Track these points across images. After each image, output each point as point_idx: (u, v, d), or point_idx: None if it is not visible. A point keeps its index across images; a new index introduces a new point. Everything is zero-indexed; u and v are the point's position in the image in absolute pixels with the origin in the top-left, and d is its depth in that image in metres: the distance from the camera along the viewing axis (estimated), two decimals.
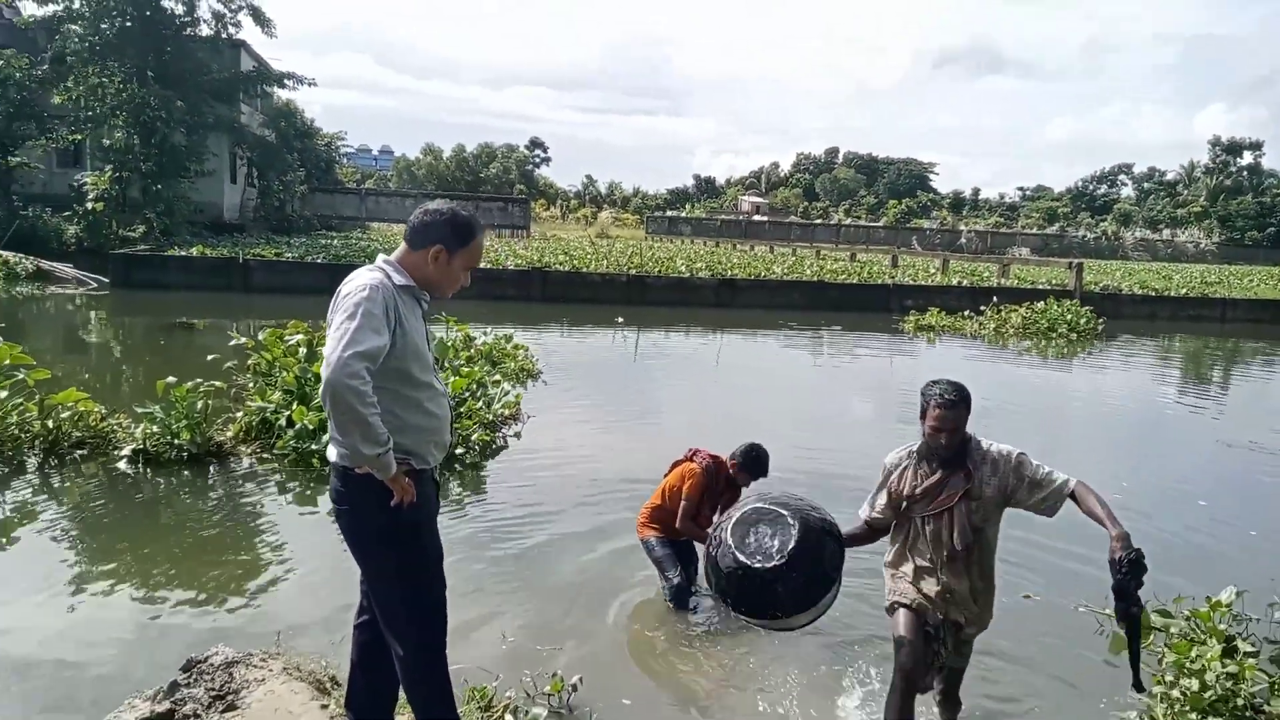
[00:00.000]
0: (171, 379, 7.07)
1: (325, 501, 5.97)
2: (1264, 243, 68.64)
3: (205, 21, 27.43)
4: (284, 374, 7.75)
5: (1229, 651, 3.52)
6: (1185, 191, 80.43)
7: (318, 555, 5.19)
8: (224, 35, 28.23)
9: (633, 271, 22.65)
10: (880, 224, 74.88)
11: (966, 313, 19.85)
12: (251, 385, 8.17)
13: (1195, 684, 3.39)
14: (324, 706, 3.30)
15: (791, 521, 3.29)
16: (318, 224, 41.22)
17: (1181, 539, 6.18)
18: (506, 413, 8.50)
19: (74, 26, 24.88)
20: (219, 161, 30.88)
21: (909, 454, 3.44)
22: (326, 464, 2.79)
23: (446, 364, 8.94)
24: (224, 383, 7.74)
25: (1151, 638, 3.90)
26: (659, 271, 23.11)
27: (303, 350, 8.09)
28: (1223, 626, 3.70)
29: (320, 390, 2.55)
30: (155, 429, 6.84)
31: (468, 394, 8.11)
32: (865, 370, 14.20)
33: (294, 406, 7.13)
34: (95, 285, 20.33)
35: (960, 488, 3.29)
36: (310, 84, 30.20)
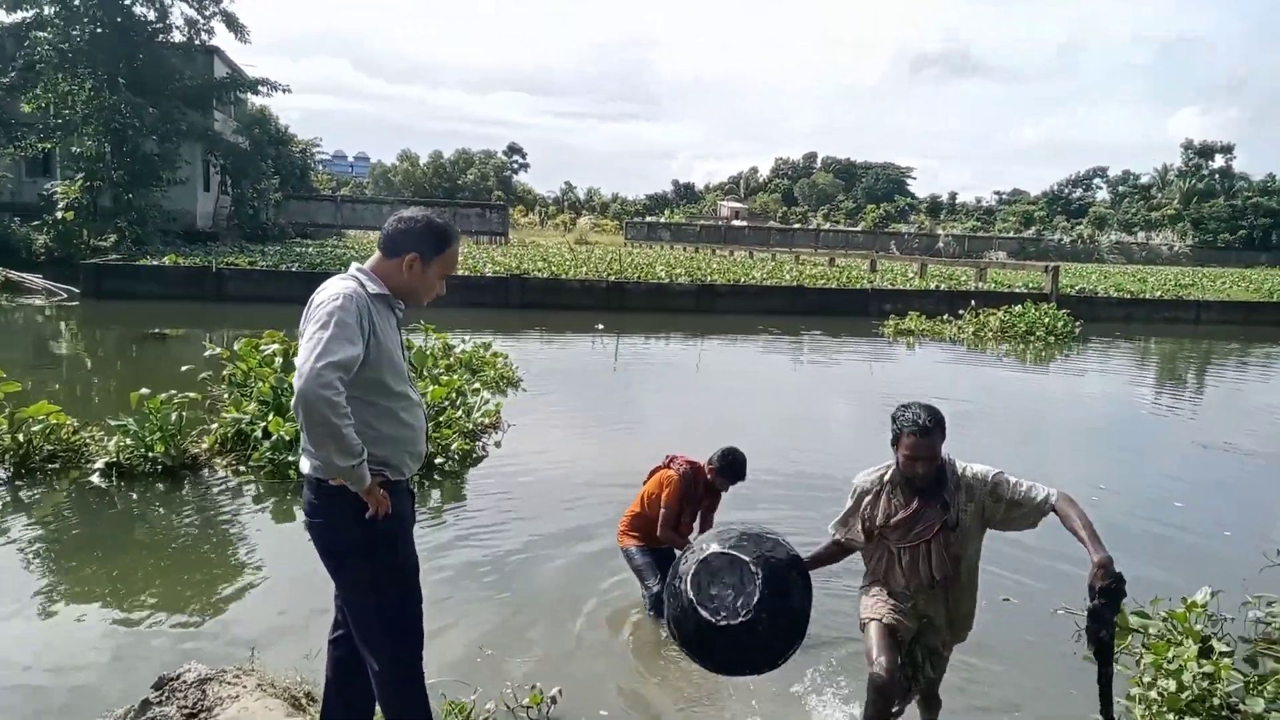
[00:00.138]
0: (145, 390, 6.98)
1: (301, 514, 5.91)
2: (1236, 245, 69.71)
3: (178, 28, 27.14)
4: (260, 384, 7.67)
5: (1205, 652, 3.55)
6: (1159, 194, 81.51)
7: (292, 569, 5.13)
8: (197, 42, 27.94)
9: (612, 278, 22.63)
10: (859, 229, 75.31)
11: (945, 316, 19.99)
12: (227, 396, 8.08)
13: (1172, 684, 3.42)
14: None
15: (755, 570, 3.07)
16: (293, 232, 40.88)
17: (1157, 540, 6.23)
18: (486, 421, 8.44)
19: (43, 33, 24.52)
20: (192, 169, 30.54)
21: (881, 480, 3.28)
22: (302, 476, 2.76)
23: (425, 372, 8.89)
24: (199, 394, 7.65)
25: (1129, 639, 3.93)
26: (638, 278, 23.10)
27: (278, 360, 8.01)
28: (1199, 627, 3.74)
29: (293, 401, 2.51)
30: (129, 441, 6.74)
31: (447, 403, 8.05)
32: (846, 374, 14.26)
33: (270, 417, 7.05)
34: (66, 296, 20.05)
35: (937, 520, 3.15)
36: (284, 90, 29.94)
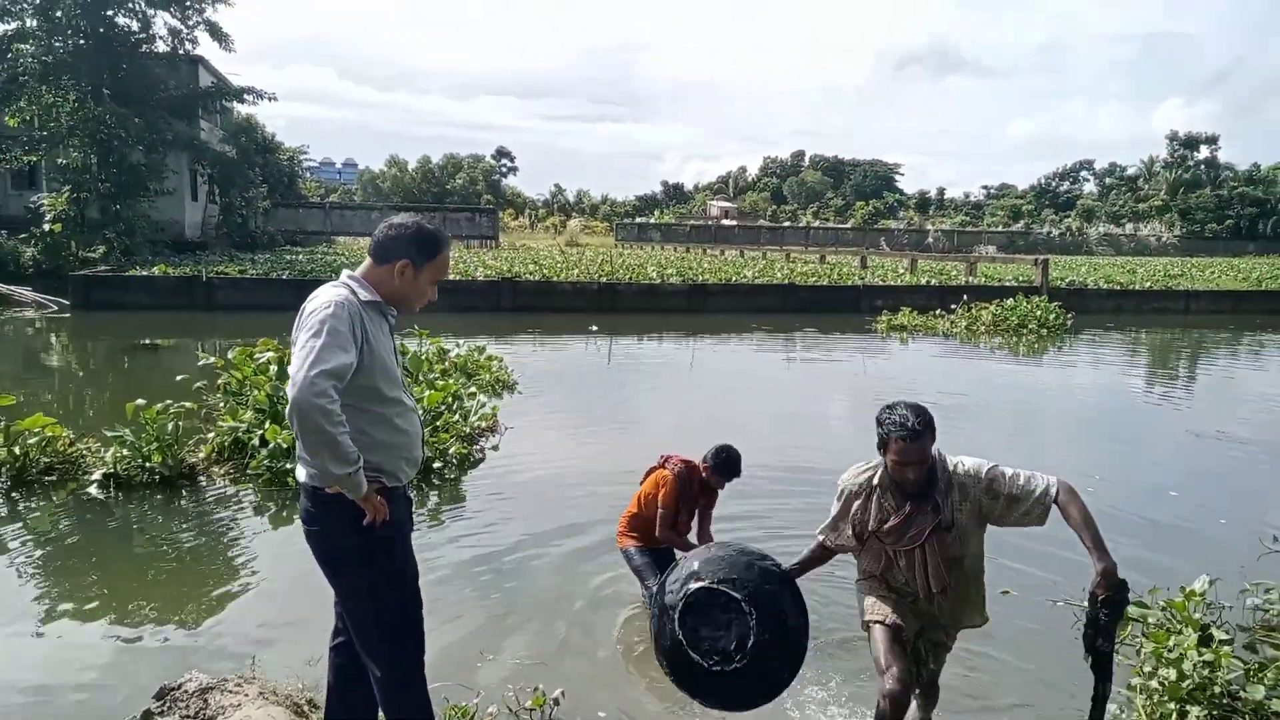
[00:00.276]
0: (141, 401, 6.95)
1: (299, 521, 5.90)
2: (1223, 234, 70.00)
3: (161, 38, 27.11)
4: (255, 393, 7.64)
5: (1205, 640, 3.56)
6: (1146, 186, 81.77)
7: (292, 576, 5.11)
8: (181, 51, 27.87)
9: (603, 279, 22.62)
10: (848, 226, 75.42)
11: (937, 311, 20.04)
12: (222, 405, 8.05)
13: (1173, 673, 3.43)
14: None
15: (748, 609, 2.91)
16: (282, 239, 40.76)
17: (1153, 530, 6.25)
18: (484, 425, 8.44)
19: (25, 45, 24.42)
20: (179, 179, 30.43)
21: (870, 482, 3.13)
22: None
23: (421, 377, 8.87)
24: (195, 403, 7.62)
25: (1129, 629, 3.94)
26: (630, 279, 23.10)
27: (273, 368, 7.99)
28: (1198, 615, 3.76)
29: (287, 410, 2.50)
30: (125, 452, 6.72)
31: (444, 407, 8.04)
32: (840, 371, 14.28)
33: (266, 425, 7.03)
34: (55, 308, 19.95)
35: (929, 524, 3.02)
36: (270, 98, 29.83)
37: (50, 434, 6.88)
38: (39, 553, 5.57)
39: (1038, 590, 5.06)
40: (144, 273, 20.89)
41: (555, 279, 22.49)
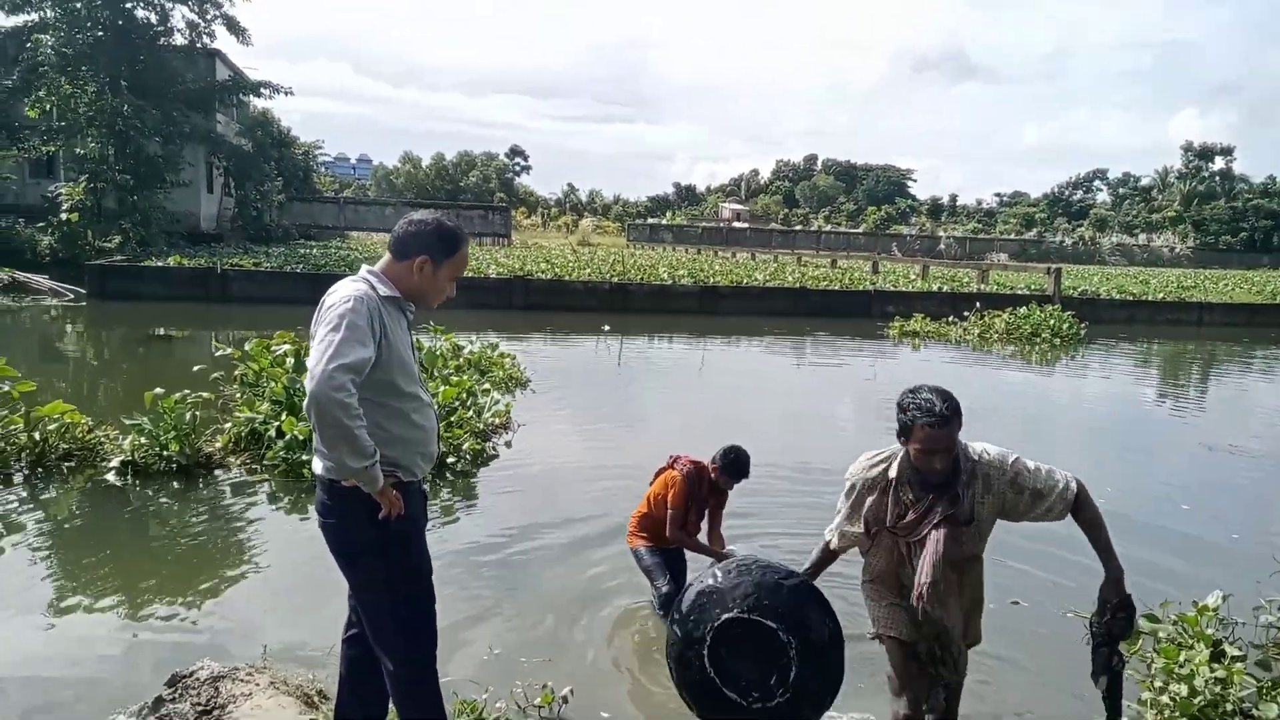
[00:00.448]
0: (159, 390, 7.03)
1: (314, 513, 5.93)
2: (1237, 246, 69.63)
3: (179, 31, 27.23)
4: (272, 384, 7.70)
5: (1217, 656, 3.54)
6: (1159, 196, 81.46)
7: (305, 567, 5.14)
8: (198, 45, 28.01)
9: (615, 279, 22.64)
10: (860, 230, 75.32)
11: (950, 318, 19.98)
12: (239, 396, 8.10)
13: (1184, 689, 3.40)
14: None
15: (786, 638, 2.72)
16: (296, 233, 40.94)
17: (1165, 543, 6.21)
18: (497, 421, 8.46)
19: (45, 36, 24.59)
20: (195, 171, 30.64)
21: (884, 475, 2.91)
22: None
23: (436, 373, 8.91)
24: (212, 394, 7.68)
25: (1140, 642, 3.92)
26: (641, 279, 23.10)
27: (290, 361, 8.04)
28: (1210, 631, 3.72)
29: (305, 404, 2.51)
30: (143, 440, 6.77)
31: (458, 403, 8.07)
32: (851, 374, 14.24)
33: (283, 417, 7.07)
34: (71, 296, 20.09)
35: (944, 513, 2.81)
36: (287, 93, 30.01)
37: (70, 420, 6.94)
38: (56, 537, 5.63)
39: (1039, 591, 5.05)
40: (159, 263, 21.02)
41: (567, 278, 22.52)
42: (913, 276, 28.02)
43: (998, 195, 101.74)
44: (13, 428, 6.82)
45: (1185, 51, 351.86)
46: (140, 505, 6.28)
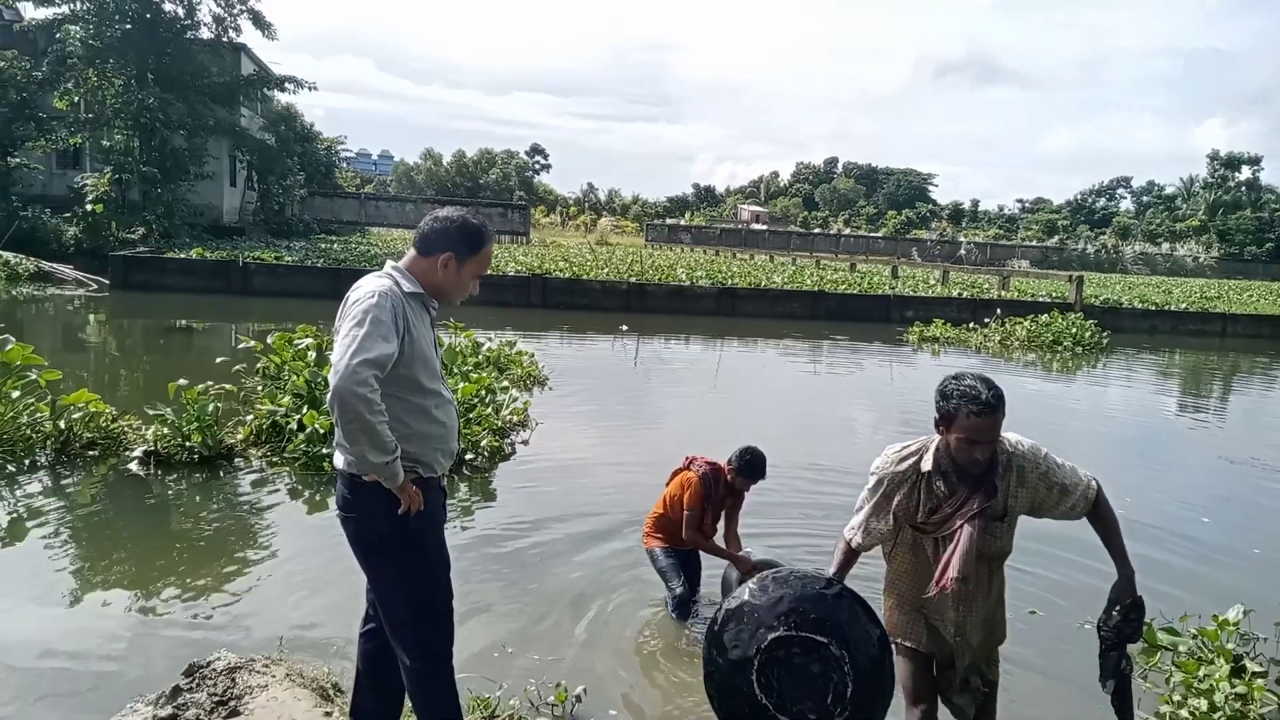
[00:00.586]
0: (183, 381, 7.10)
1: (334, 506, 5.98)
2: (1263, 257, 68.76)
3: (205, 25, 27.48)
4: (294, 378, 7.76)
5: (1237, 671, 3.50)
6: (1184, 205, 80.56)
7: (324, 561, 5.17)
8: (224, 39, 28.24)
9: (633, 279, 22.64)
10: (880, 234, 75.02)
11: (970, 325, 19.84)
12: (261, 388, 8.16)
13: (1204, 704, 3.38)
14: (327, 714, 3.28)
15: (838, 652, 2.55)
16: (317, 228, 41.22)
17: (1185, 556, 6.15)
18: (515, 419, 8.48)
19: (74, 29, 24.88)
20: (219, 164, 30.90)
21: (916, 468, 2.73)
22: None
23: (455, 369, 8.95)
24: (234, 385, 7.74)
25: (1158, 656, 3.88)
26: (659, 280, 23.10)
27: (312, 354, 8.09)
28: (1230, 646, 3.69)
29: (328, 398, 2.53)
30: (166, 431, 6.85)
31: (477, 400, 8.10)
32: (870, 378, 14.18)
33: (305, 410, 7.12)
34: (95, 286, 20.31)
35: (976, 506, 2.64)
36: (310, 88, 30.17)
37: (94, 409, 7.02)
38: (78, 525, 5.69)
39: (1047, 591, 5.01)
40: (182, 255, 21.25)
41: (585, 277, 22.54)
42: (932, 282, 27.87)
43: (1020, 201, 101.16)
44: (39, 415, 6.91)
45: (1215, 59, 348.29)
46: (161, 494, 6.35)
